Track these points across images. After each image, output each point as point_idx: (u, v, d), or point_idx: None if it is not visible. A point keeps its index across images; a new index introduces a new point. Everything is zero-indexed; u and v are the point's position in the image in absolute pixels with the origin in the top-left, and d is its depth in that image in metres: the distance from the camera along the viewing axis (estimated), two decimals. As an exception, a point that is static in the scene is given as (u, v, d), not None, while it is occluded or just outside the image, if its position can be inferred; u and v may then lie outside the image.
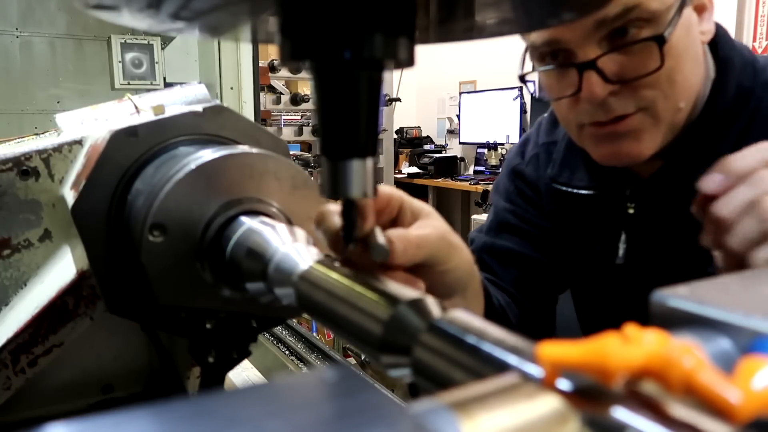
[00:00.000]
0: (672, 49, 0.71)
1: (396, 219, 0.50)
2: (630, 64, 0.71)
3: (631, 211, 0.85)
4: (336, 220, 0.42)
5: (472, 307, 0.56)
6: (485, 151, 5.40)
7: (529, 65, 0.82)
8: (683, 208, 0.81)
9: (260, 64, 3.33)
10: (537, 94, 0.84)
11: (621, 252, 0.86)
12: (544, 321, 0.98)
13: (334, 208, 0.42)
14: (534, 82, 0.85)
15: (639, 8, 0.69)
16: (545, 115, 1.02)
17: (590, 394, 0.21)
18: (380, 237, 0.42)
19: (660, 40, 0.69)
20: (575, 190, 0.90)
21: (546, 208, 0.96)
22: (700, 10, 0.76)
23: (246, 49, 3.06)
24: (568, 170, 0.91)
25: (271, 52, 3.79)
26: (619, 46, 0.71)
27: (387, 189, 0.48)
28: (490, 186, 4.81)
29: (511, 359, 0.26)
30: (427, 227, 0.48)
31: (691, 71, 0.75)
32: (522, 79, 0.82)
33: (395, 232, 0.45)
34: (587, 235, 0.91)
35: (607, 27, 0.70)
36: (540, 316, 0.96)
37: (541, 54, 0.78)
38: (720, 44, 0.80)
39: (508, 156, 1.05)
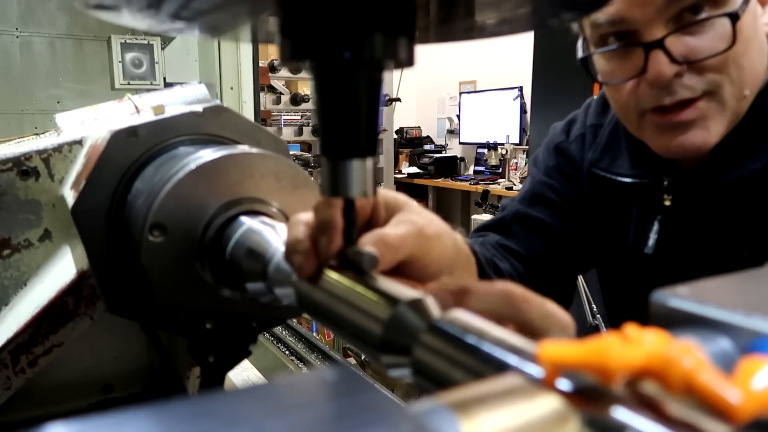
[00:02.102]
0: (741, 32, 0.70)
1: (370, 217, 0.48)
2: (698, 44, 0.71)
3: (667, 203, 0.84)
4: (336, 213, 0.40)
5: None
6: (485, 151, 5.41)
7: (584, 50, 0.80)
8: (721, 204, 0.80)
9: (260, 64, 3.34)
10: (599, 79, 0.81)
11: (651, 242, 0.86)
12: (559, 298, 0.97)
13: (338, 202, 0.41)
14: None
15: None
16: (594, 96, 1.01)
17: (590, 394, 0.21)
18: (366, 246, 0.41)
19: (734, 17, 0.69)
20: (614, 177, 0.89)
21: (585, 190, 0.96)
22: (763, 2, 0.76)
23: (246, 49, 3.06)
24: (609, 156, 0.91)
25: (271, 52, 3.79)
26: (687, 25, 0.71)
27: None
28: (490, 186, 4.84)
29: (511, 359, 0.26)
30: (404, 224, 0.45)
31: (757, 58, 0.75)
32: (584, 62, 0.81)
33: (372, 237, 0.43)
34: (620, 221, 0.91)
35: (678, 5, 0.70)
36: (556, 292, 0.96)
37: (602, 36, 0.76)
38: None
39: (552, 133, 1.04)
